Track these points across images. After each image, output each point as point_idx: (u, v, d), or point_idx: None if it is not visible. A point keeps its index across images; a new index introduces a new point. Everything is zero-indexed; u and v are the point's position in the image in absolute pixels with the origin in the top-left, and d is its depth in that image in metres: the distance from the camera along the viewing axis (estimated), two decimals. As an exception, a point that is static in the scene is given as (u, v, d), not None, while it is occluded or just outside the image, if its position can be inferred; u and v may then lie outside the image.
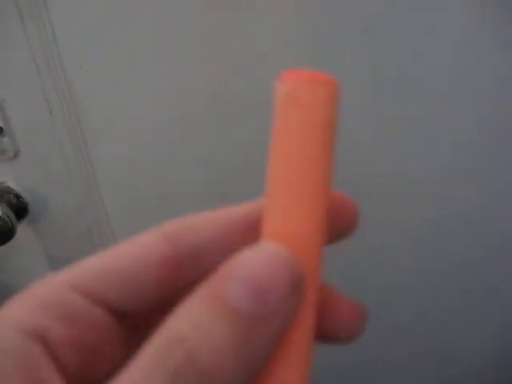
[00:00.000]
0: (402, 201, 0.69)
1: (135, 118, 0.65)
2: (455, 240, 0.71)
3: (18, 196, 0.69)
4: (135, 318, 0.19)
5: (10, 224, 0.64)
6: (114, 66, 0.62)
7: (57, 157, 0.67)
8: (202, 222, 0.20)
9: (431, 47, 0.59)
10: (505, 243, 0.70)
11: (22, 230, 0.70)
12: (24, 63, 0.62)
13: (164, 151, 0.68)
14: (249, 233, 0.20)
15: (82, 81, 0.63)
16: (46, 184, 0.69)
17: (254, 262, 0.16)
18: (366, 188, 0.68)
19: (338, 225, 0.21)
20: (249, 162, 0.68)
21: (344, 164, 0.66)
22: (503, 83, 0.60)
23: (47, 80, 0.63)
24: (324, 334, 0.21)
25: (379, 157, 0.66)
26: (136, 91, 0.64)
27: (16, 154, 0.67)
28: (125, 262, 0.18)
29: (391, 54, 0.60)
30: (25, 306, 0.17)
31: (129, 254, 0.19)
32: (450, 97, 0.62)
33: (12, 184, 0.69)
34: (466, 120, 0.63)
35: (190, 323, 0.16)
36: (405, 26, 0.58)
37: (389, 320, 0.78)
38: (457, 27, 0.58)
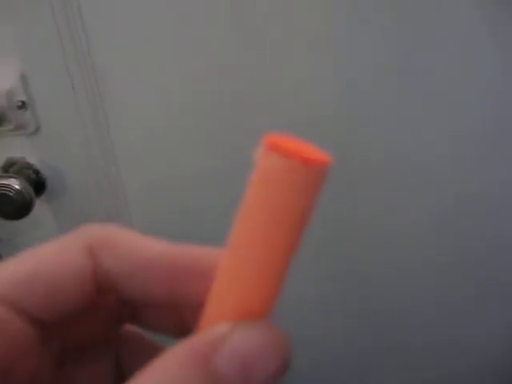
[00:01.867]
0: (407, 187, 0.68)
1: (158, 96, 0.65)
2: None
3: (36, 171, 0.69)
4: (53, 327, 0.19)
5: (28, 198, 0.64)
6: (137, 41, 0.62)
7: (77, 134, 0.67)
8: (127, 245, 0.19)
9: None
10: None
11: (39, 205, 0.70)
12: (48, 38, 0.62)
13: (185, 132, 0.67)
14: (164, 275, 0.19)
15: (106, 57, 0.63)
16: (65, 161, 0.69)
17: (248, 339, 0.16)
18: (376, 173, 0.67)
19: None
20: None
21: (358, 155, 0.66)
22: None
23: (71, 56, 0.62)
24: None
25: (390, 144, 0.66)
26: (160, 71, 0.64)
27: (37, 130, 0.67)
28: (45, 272, 0.18)
29: (393, 46, 0.60)
30: None
31: (49, 262, 0.18)
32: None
33: (31, 159, 0.69)
34: (472, 110, 0.62)
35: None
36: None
37: (394, 311, 0.77)
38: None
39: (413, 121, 0.64)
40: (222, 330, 0.16)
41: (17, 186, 0.64)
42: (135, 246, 0.19)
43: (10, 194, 0.63)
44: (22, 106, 0.64)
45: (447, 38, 0.59)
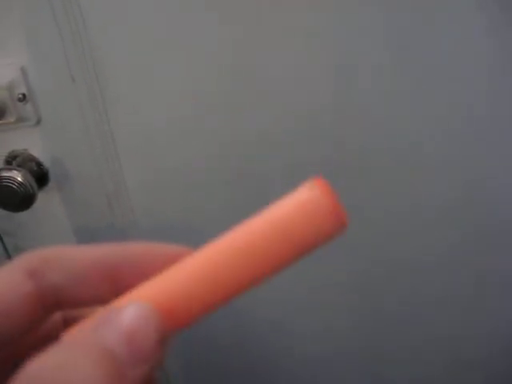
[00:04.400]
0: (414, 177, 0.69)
1: (158, 88, 0.65)
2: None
3: (39, 163, 0.69)
4: (5, 350, 0.21)
5: (30, 190, 0.65)
6: (137, 33, 0.62)
7: (78, 125, 0.67)
8: (61, 260, 0.21)
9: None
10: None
11: (42, 197, 0.70)
12: (48, 31, 0.62)
13: (184, 123, 0.68)
14: (108, 277, 0.21)
15: (105, 48, 0.63)
16: (67, 152, 0.69)
17: (131, 316, 0.19)
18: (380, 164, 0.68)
19: None
20: (264, 138, 0.68)
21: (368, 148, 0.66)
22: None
23: (70, 47, 0.63)
24: None
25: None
26: (159, 62, 0.64)
27: (38, 122, 0.67)
28: None
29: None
30: None
31: None
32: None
33: (33, 151, 0.69)
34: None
35: (54, 362, 0.17)
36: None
37: (404, 304, 0.78)
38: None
39: (412, 119, 0.64)
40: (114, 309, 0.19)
41: (19, 179, 0.64)
42: (74, 257, 0.21)
43: (13, 186, 0.64)
44: (23, 98, 0.65)
45: (447, 36, 0.60)
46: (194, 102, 0.66)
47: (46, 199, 0.72)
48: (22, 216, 0.72)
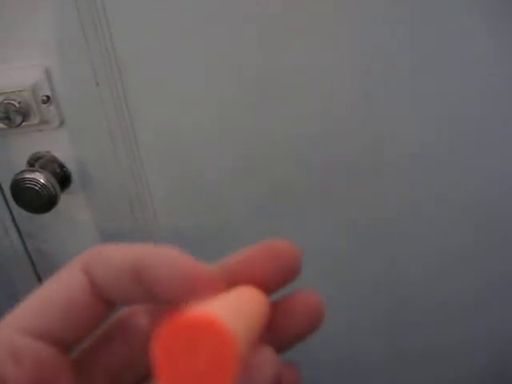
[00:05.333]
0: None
1: (181, 91, 0.65)
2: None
3: (61, 165, 0.69)
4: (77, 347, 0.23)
5: (53, 192, 0.65)
6: (162, 38, 0.62)
7: (102, 128, 0.67)
8: (107, 258, 0.22)
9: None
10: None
11: (64, 199, 0.70)
12: (73, 33, 0.62)
13: (208, 127, 0.67)
14: (136, 278, 0.21)
15: (130, 52, 0.63)
16: (90, 155, 0.69)
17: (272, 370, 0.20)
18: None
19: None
20: (289, 140, 0.67)
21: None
22: None
23: (95, 50, 0.62)
24: (285, 332, 0.24)
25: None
26: (184, 66, 0.63)
27: (61, 124, 0.67)
28: (57, 299, 0.21)
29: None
30: None
31: (58, 290, 0.21)
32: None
33: (56, 153, 0.69)
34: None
35: None
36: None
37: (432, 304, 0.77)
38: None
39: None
40: None
41: (42, 180, 0.64)
42: (111, 255, 0.22)
43: (36, 187, 0.64)
44: (47, 100, 0.65)
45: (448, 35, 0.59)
46: (218, 106, 0.66)
47: (68, 201, 0.72)
48: (44, 218, 0.72)
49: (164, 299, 0.21)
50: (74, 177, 0.70)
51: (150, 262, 0.21)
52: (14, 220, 0.74)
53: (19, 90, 0.63)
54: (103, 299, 0.22)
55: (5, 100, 0.62)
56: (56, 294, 0.21)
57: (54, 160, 0.69)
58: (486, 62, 0.61)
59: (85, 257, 0.22)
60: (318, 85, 0.63)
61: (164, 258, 0.21)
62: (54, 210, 0.67)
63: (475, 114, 0.64)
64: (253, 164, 0.69)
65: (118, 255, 0.21)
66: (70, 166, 0.70)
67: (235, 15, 0.60)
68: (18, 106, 0.62)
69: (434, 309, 0.79)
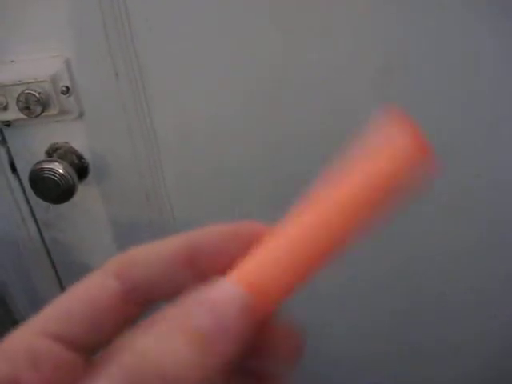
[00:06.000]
0: None
1: (200, 86, 0.65)
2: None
3: (80, 156, 0.70)
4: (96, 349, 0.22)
5: (71, 182, 0.65)
6: (182, 30, 0.62)
7: (120, 120, 0.67)
8: (144, 257, 0.22)
9: None
10: None
11: (82, 190, 0.71)
12: (93, 25, 0.62)
13: (225, 122, 0.67)
14: (189, 263, 0.22)
15: (149, 44, 0.63)
16: (108, 146, 0.70)
17: (217, 297, 0.20)
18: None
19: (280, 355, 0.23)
20: (306, 138, 0.67)
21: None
22: None
23: (114, 42, 0.63)
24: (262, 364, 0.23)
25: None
26: (203, 60, 0.63)
27: (80, 115, 0.67)
28: (82, 303, 0.21)
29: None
30: None
31: (84, 295, 0.21)
32: None
33: (75, 144, 0.70)
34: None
35: (155, 339, 0.19)
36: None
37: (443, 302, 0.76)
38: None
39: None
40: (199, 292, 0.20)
41: (60, 170, 0.65)
42: (155, 252, 0.22)
43: (54, 177, 0.64)
44: (66, 91, 0.65)
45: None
46: (236, 102, 0.66)
47: (85, 192, 0.72)
48: (61, 208, 0.73)
49: (216, 271, 0.21)
50: (91, 168, 0.71)
51: (200, 238, 0.22)
52: (31, 209, 0.75)
53: (39, 81, 0.63)
54: (137, 301, 0.22)
55: (25, 90, 0.63)
56: (81, 298, 0.21)
57: (73, 151, 0.70)
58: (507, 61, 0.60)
59: (117, 262, 0.22)
60: (340, 84, 0.63)
61: (210, 229, 0.22)
62: (70, 201, 0.67)
63: (475, 113, 0.64)
64: (270, 158, 0.69)
65: (159, 251, 0.22)
66: (88, 157, 0.70)
67: (258, 12, 0.60)
68: (37, 96, 0.63)
69: (434, 309, 0.79)
